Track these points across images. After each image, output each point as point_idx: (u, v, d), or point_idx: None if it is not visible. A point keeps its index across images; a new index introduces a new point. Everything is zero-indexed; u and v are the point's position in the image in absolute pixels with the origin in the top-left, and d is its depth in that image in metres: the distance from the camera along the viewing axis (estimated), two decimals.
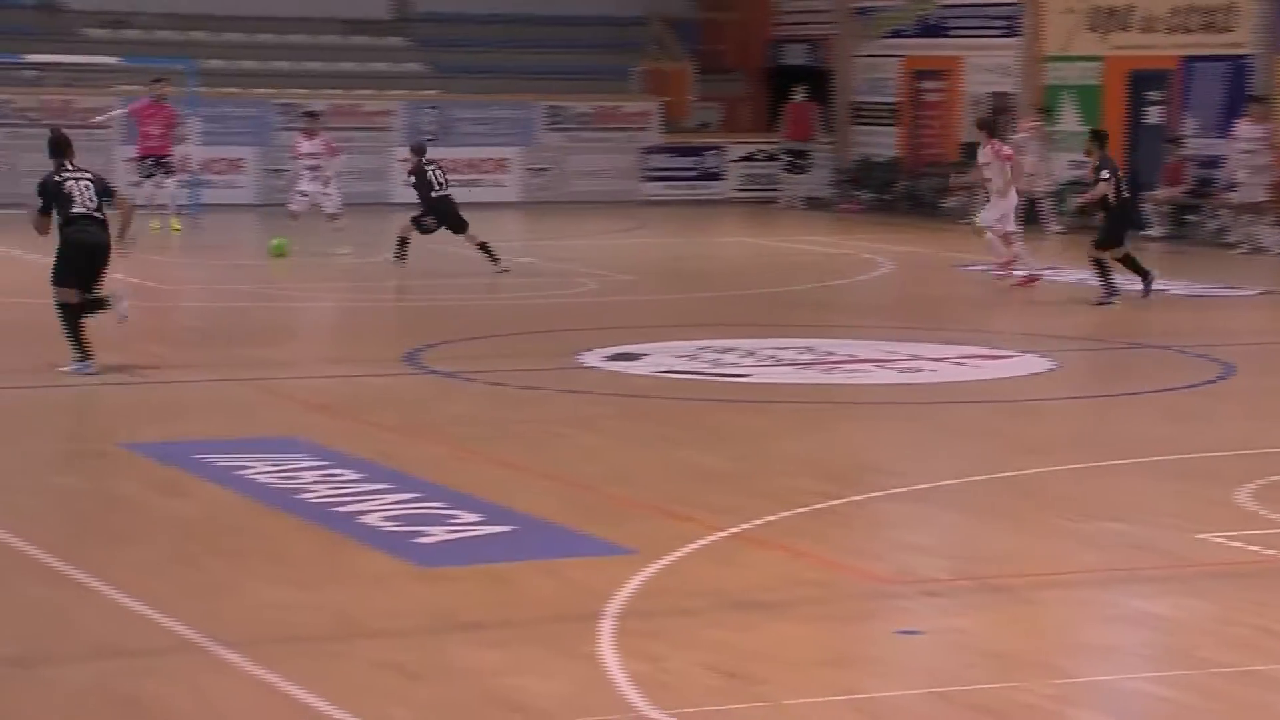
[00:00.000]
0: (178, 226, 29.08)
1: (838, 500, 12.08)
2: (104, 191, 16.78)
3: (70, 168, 16.83)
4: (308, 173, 27.34)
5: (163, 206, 28.92)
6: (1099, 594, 10.19)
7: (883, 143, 36.66)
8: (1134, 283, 22.02)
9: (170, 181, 29.23)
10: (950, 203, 34.21)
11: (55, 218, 16.46)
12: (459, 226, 24.51)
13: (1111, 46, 32.35)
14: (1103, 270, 21.70)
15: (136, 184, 28.83)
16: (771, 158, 37.42)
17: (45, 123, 32.92)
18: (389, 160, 35.31)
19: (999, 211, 23.78)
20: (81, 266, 16.50)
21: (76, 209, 16.42)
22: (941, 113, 35.63)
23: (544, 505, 11.68)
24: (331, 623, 9.25)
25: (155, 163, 29.14)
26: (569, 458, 13.36)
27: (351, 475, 12.39)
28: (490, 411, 15.35)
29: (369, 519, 11.20)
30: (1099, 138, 22.96)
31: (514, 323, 20.49)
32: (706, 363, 17.57)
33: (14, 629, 9.11)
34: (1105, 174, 22.02)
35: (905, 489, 12.55)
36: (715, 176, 37.70)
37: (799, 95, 36.24)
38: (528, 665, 8.54)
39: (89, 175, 16.94)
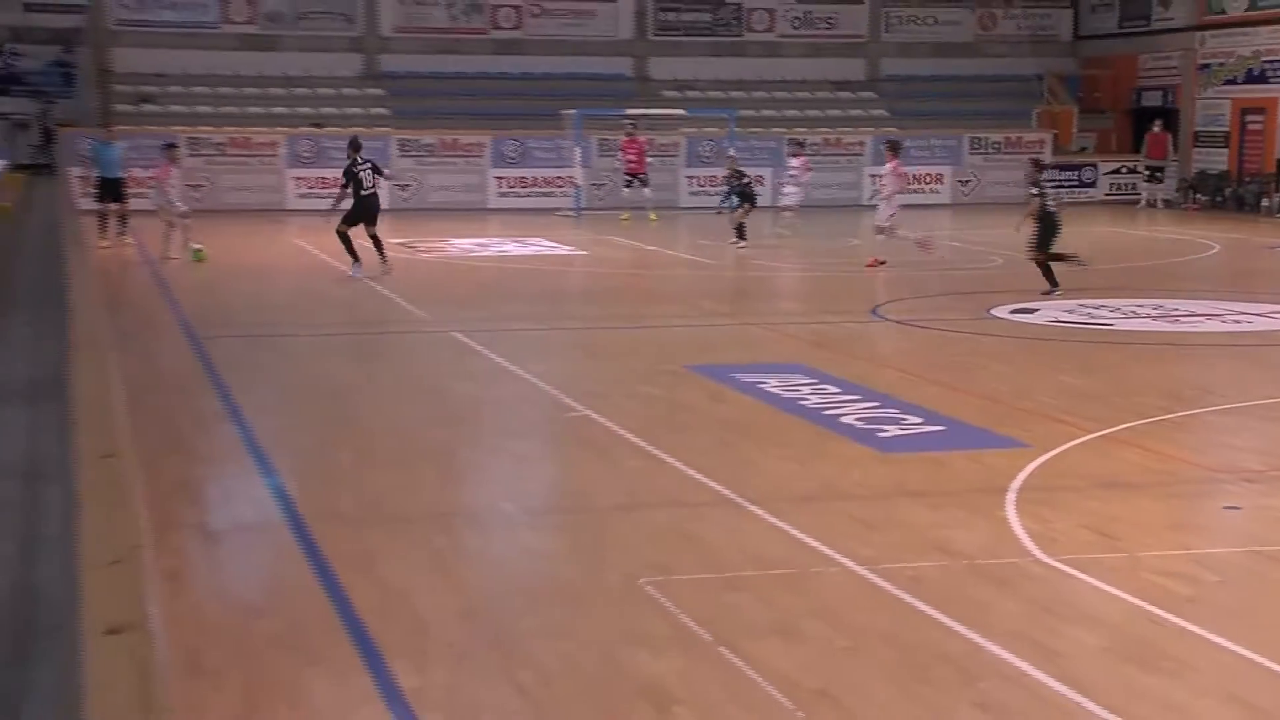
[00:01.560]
0: (655, 218, 29.85)
1: (1178, 414, 11.58)
2: (377, 171, 20.76)
3: (361, 160, 20.54)
4: (790, 180, 28.02)
5: (640, 207, 30.30)
6: None
7: (1216, 160, 34.88)
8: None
9: (646, 190, 30.15)
10: (1265, 202, 32.38)
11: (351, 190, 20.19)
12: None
13: None
14: (1045, 269, 18.89)
15: (626, 186, 30.90)
16: (1132, 170, 35.99)
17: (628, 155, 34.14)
18: (861, 176, 35.19)
19: (889, 211, 22.35)
20: (363, 218, 20.17)
21: (365, 188, 20.17)
22: (1261, 138, 33.71)
23: (967, 412, 11.49)
24: (820, 488, 9.28)
25: (635, 178, 30.21)
26: (984, 380, 13.10)
27: (834, 390, 12.39)
28: (929, 348, 15.15)
29: (846, 419, 11.19)
30: (1038, 164, 20.16)
31: (945, 287, 20.16)
32: (1083, 315, 17.00)
33: (620, 486, 9.40)
34: (1034, 191, 19.25)
35: (1228, 406, 11.96)
36: (1091, 185, 36.42)
37: (1157, 127, 34.81)
38: (955, 522, 8.42)
39: (371, 163, 20.56)
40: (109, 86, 34.07)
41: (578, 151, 31.95)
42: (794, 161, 28.00)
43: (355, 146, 20.76)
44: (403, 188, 32.76)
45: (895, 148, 23.08)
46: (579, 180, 32.07)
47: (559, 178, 33.20)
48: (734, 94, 36.62)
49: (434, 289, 19.66)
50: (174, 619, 6.70)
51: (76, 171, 26.61)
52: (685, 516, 8.58)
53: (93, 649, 2.24)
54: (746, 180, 25.85)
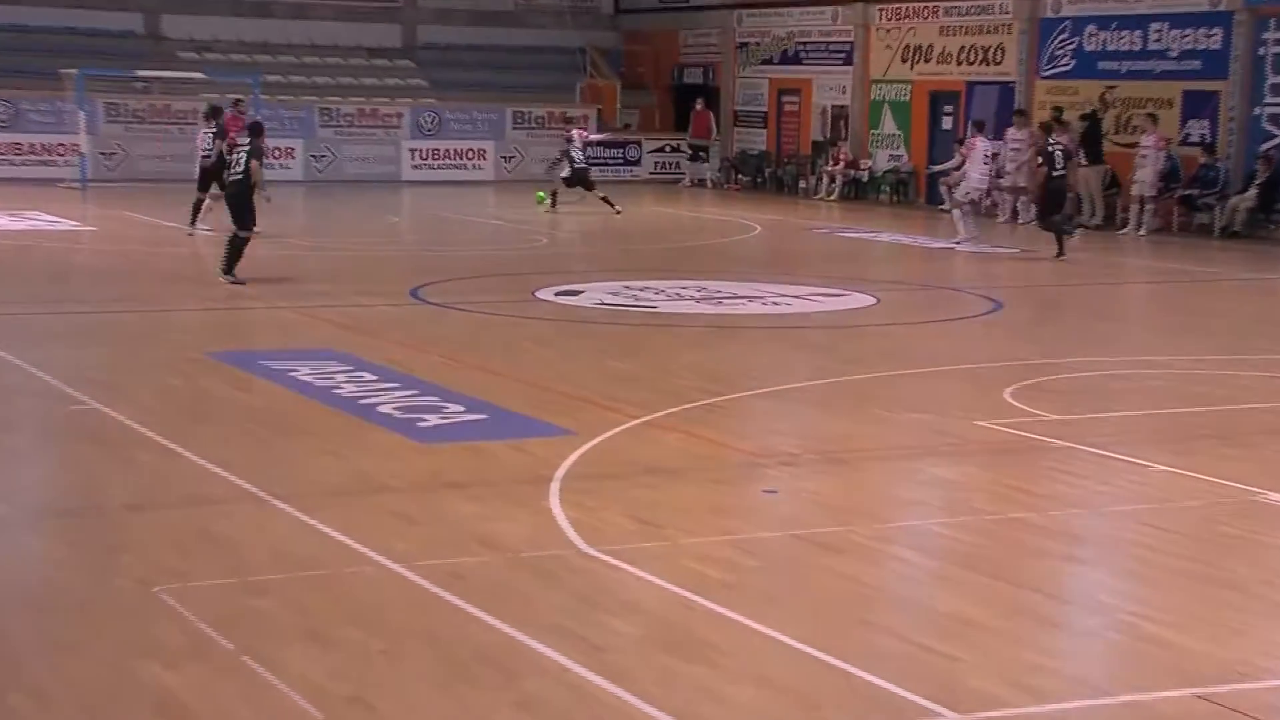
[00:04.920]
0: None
1: (720, 397, 12.13)
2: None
3: (241, 143, 18.36)
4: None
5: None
6: (906, 464, 10.27)
7: (756, 140, 36.74)
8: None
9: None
10: (803, 184, 34.34)
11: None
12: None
13: (917, 74, 32.48)
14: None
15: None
16: (676, 149, 37.46)
17: (152, 121, 32.87)
18: (399, 150, 35.20)
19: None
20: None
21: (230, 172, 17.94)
22: (797, 120, 35.71)
23: (510, 399, 11.68)
24: (355, 482, 9.25)
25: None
26: (528, 365, 13.34)
27: (370, 377, 12.36)
28: (471, 332, 15.31)
29: (383, 409, 11.19)
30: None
31: (488, 267, 20.42)
32: (628, 297, 17.57)
33: (131, 484, 9.10)
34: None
35: (768, 389, 12.60)
36: (635, 163, 37.63)
37: (699, 105, 36.29)
38: (497, 514, 8.56)
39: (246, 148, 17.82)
40: None
41: (82, 116, 30.59)
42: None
43: (257, 129, 18.50)
44: None
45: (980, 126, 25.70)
46: (84, 148, 30.72)
47: (60, 145, 31.76)
48: (259, 57, 35.90)
49: None
50: None
51: None
52: (205, 515, 8.39)
53: None
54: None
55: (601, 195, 27.88)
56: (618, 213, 27.38)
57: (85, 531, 8.22)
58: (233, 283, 17.23)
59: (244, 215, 17.53)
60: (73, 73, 30.51)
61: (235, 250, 17.44)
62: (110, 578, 7.34)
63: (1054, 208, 22.37)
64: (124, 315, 15.74)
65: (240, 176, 17.55)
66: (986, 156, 24.70)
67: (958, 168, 24.92)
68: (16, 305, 16.00)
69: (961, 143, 26.49)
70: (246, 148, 17.69)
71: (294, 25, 37.47)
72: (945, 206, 28.90)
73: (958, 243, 23.81)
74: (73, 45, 33.78)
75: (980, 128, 25.73)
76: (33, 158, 32.14)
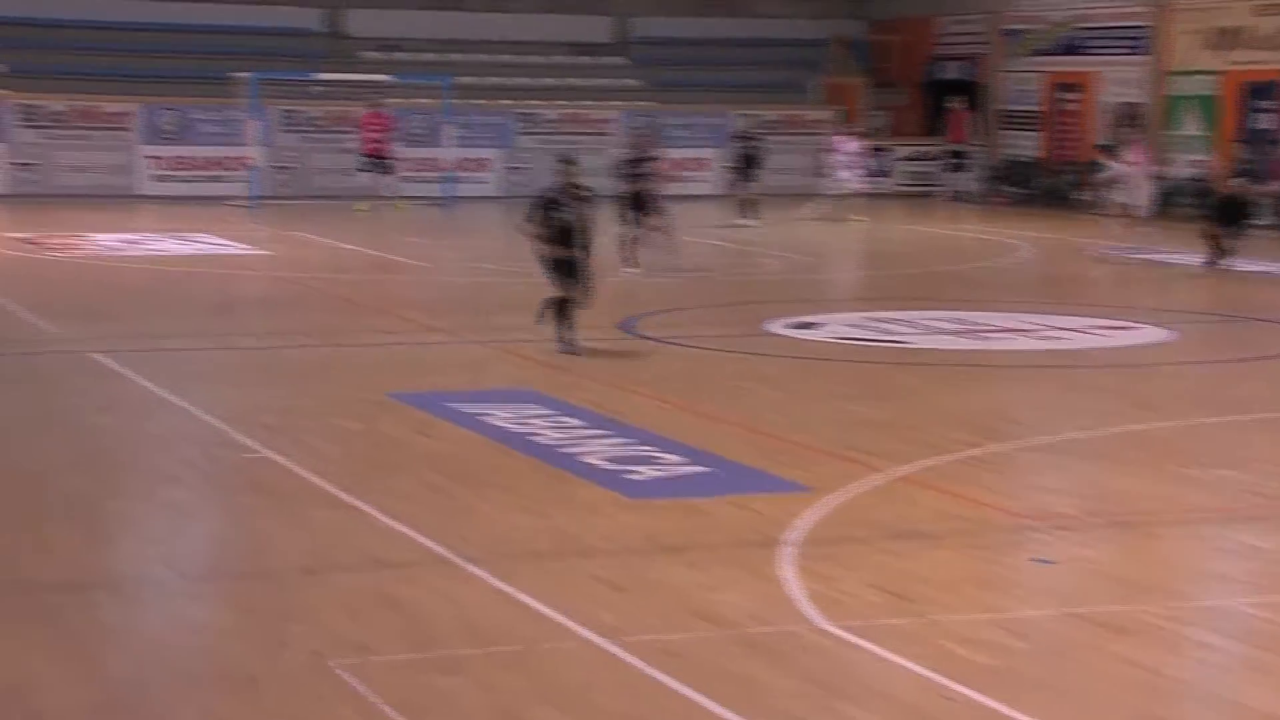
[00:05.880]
0: (401, 207, 30.29)
1: (984, 448, 12.00)
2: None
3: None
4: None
5: (383, 196, 31.10)
6: (1210, 530, 10.04)
7: (1026, 145, 36.33)
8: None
9: (389, 176, 31.24)
10: (1083, 195, 33.81)
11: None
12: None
13: (1228, 62, 31.78)
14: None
15: (363, 170, 31.36)
16: (931, 157, 37.23)
17: (332, 130, 33.73)
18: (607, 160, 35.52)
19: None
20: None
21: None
22: (1078, 119, 35.21)
23: (735, 449, 11.70)
24: (555, 543, 9.35)
25: (376, 161, 30.50)
26: (757, 409, 13.35)
27: (575, 422, 12.48)
28: (691, 371, 15.37)
29: (589, 459, 11.28)
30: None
31: (710, 296, 20.48)
32: (873, 331, 17.50)
33: (304, 544, 9.32)
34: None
35: (1041, 439, 12.45)
36: (884, 173, 37.43)
37: (957, 104, 36.09)
38: (719, 583, 8.57)
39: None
40: None
41: (255, 125, 31.57)
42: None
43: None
44: (25, 166, 31.94)
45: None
46: (256, 161, 31.70)
47: (230, 158, 32.74)
48: (451, 56, 36.59)
49: (67, 298, 19.15)
50: None
51: None
52: (388, 580, 8.54)
53: None
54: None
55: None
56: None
57: (253, 597, 8.44)
58: (564, 351, 15.57)
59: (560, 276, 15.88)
60: (245, 77, 31.48)
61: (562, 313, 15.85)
62: (281, 650, 7.51)
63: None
64: (298, 350, 16.13)
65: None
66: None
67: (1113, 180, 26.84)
68: (181, 339, 16.51)
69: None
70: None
71: (490, 19, 38.11)
72: (1261, 221, 28.13)
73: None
74: (245, 46, 34.83)
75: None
76: (201, 173, 33.16)
